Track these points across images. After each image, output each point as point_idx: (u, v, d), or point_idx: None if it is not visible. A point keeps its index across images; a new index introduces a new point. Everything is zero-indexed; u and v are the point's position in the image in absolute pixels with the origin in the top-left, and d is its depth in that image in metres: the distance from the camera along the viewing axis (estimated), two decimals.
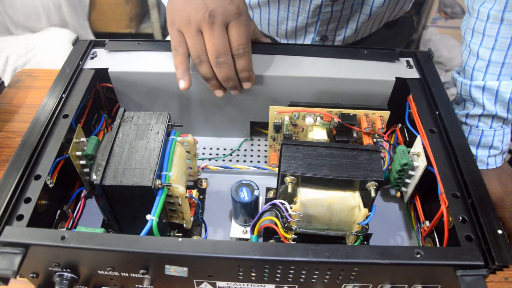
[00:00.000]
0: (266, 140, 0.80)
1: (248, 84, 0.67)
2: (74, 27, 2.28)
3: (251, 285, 0.55)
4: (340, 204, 0.55)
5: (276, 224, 0.59)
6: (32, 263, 0.52)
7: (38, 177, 0.55)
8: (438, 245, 0.57)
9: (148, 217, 0.52)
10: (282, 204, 0.56)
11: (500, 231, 0.50)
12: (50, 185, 0.57)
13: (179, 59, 0.66)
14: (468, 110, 0.72)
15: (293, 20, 0.90)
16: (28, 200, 0.53)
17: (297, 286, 0.54)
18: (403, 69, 0.72)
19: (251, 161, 0.77)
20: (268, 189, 0.70)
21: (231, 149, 0.78)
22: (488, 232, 0.50)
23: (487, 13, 0.66)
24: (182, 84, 0.65)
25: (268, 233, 0.63)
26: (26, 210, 0.52)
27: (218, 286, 0.55)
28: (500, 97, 0.68)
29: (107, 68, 0.70)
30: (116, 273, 0.53)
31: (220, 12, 0.62)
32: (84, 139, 0.63)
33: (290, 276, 0.51)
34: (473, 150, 0.72)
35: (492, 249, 0.48)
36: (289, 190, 0.55)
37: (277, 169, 0.68)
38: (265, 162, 0.77)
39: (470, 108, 0.72)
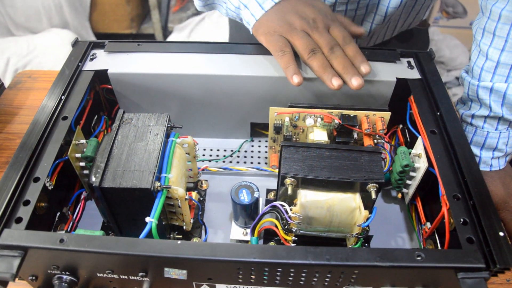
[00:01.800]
0: (266, 141, 0.80)
1: (366, 67, 0.65)
2: (75, 27, 2.28)
3: None
4: (340, 206, 0.55)
5: (276, 226, 0.59)
6: (31, 266, 0.52)
7: (37, 180, 0.55)
8: (439, 247, 0.57)
9: (147, 219, 0.52)
10: (282, 206, 0.56)
11: (501, 233, 0.49)
12: (50, 187, 0.56)
13: (287, 58, 0.66)
14: (474, 111, 0.71)
15: None
16: (27, 203, 0.53)
17: None
18: (404, 69, 0.71)
19: (252, 163, 0.77)
20: (268, 191, 0.70)
21: (232, 151, 0.78)
22: (489, 234, 0.49)
23: (499, 13, 0.65)
24: (296, 79, 0.65)
25: (269, 235, 0.63)
26: (25, 212, 0.52)
27: None
28: (508, 99, 0.67)
29: (107, 70, 0.70)
30: (115, 276, 0.53)
31: (320, 19, 0.68)
32: (84, 141, 0.63)
33: (290, 278, 0.51)
34: (477, 151, 0.72)
35: (493, 251, 0.47)
36: (289, 192, 0.55)
37: (277, 170, 0.68)
38: (266, 163, 0.77)
39: (476, 108, 0.71)
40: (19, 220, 0.51)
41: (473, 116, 0.72)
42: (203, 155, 0.78)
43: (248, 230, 0.63)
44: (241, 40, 0.77)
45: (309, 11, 0.69)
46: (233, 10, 0.74)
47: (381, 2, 0.82)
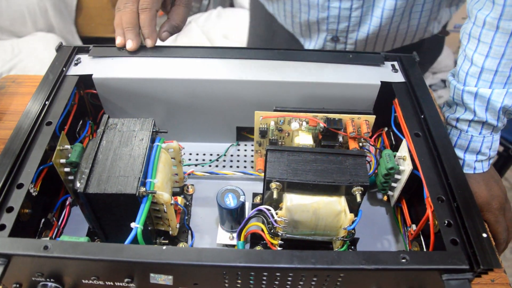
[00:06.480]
0: (252, 145, 0.80)
1: (148, 42, 0.72)
2: (61, 31, 2.26)
3: None
4: (325, 209, 0.55)
5: (262, 230, 0.59)
6: (15, 273, 0.51)
7: (20, 186, 0.55)
8: (424, 248, 0.57)
9: (132, 225, 0.52)
10: (268, 210, 0.56)
11: (484, 235, 0.50)
12: (34, 194, 0.56)
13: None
14: (459, 114, 0.72)
15: (305, 13, 0.91)
16: (10, 210, 0.52)
17: None
18: (388, 73, 0.72)
19: (238, 167, 0.77)
20: (254, 195, 0.70)
21: (218, 155, 0.78)
22: (473, 236, 0.50)
23: (484, 19, 0.66)
24: (130, 44, 0.71)
25: (255, 239, 0.63)
26: (8, 219, 0.51)
27: None
28: (491, 105, 0.68)
29: (91, 74, 0.69)
30: (101, 282, 0.52)
31: None
32: (68, 147, 0.62)
33: (276, 283, 0.51)
34: (461, 154, 0.72)
35: (477, 252, 0.48)
36: (275, 196, 0.55)
37: (263, 174, 0.68)
38: (252, 167, 0.77)
39: (461, 112, 0.72)
40: (2, 227, 0.51)
41: (458, 119, 0.72)
42: (189, 159, 0.78)
43: (235, 235, 0.63)
44: (260, 38, 0.81)
45: None
46: None
47: (376, 4, 0.83)
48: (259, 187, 0.72)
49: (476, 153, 0.72)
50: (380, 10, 0.83)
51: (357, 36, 0.90)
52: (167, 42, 0.77)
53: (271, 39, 0.99)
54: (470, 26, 0.69)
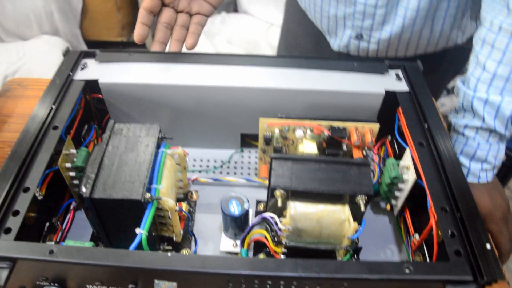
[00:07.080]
0: (256, 152, 0.80)
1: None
2: (66, 35, 2.27)
3: None
4: (329, 218, 0.55)
5: (266, 238, 0.59)
6: (20, 277, 0.51)
7: (27, 190, 0.55)
8: (427, 259, 0.57)
9: (137, 230, 0.52)
10: (272, 217, 0.56)
11: (488, 246, 0.50)
12: (39, 198, 0.56)
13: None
14: (467, 121, 0.72)
15: (334, 7, 0.91)
16: (16, 213, 0.53)
17: None
18: (392, 81, 0.72)
19: (242, 173, 0.77)
20: (258, 202, 0.70)
21: (222, 161, 0.78)
22: (476, 247, 0.50)
23: (499, 25, 0.66)
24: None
25: (259, 247, 0.63)
26: (14, 223, 0.52)
27: None
28: (501, 112, 0.68)
29: (97, 80, 0.70)
30: (105, 287, 0.52)
31: None
32: (74, 151, 0.62)
33: None
34: (467, 162, 0.72)
35: (481, 264, 0.48)
36: (279, 204, 0.55)
37: (267, 181, 0.68)
38: (256, 174, 0.77)
39: (469, 118, 0.72)
40: (8, 230, 0.51)
41: (465, 126, 0.72)
42: (194, 165, 0.78)
43: (238, 242, 0.63)
44: (291, 33, 0.86)
45: None
46: None
47: (400, 3, 0.83)
48: (262, 194, 0.72)
49: (481, 161, 0.71)
50: (404, 10, 0.83)
51: (380, 35, 0.90)
52: (171, 48, 0.78)
53: (302, 36, 1.00)
54: (484, 32, 0.69)
